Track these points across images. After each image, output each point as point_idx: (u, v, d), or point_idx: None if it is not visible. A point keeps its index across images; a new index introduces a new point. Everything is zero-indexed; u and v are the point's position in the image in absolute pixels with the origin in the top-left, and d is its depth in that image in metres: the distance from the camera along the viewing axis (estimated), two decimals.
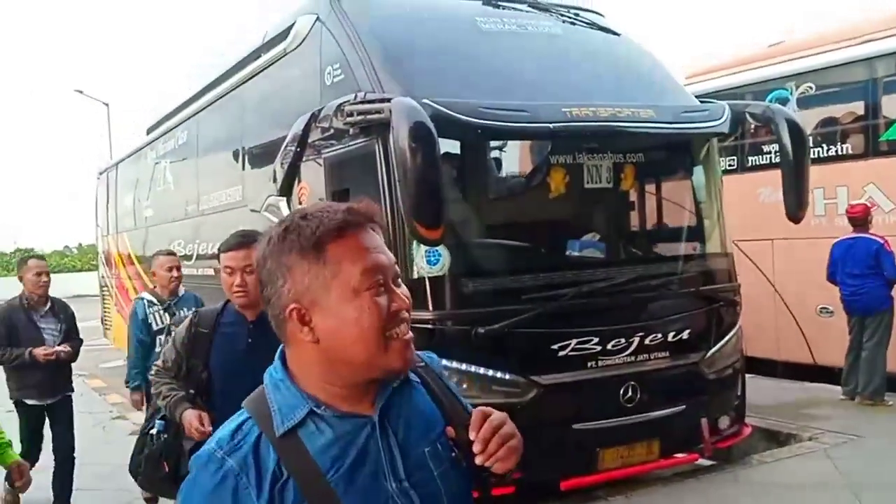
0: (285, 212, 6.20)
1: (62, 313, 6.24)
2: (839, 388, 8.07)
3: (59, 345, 6.02)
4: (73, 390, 6.34)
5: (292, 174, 6.09)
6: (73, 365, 6.30)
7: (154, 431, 3.80)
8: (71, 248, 51.42)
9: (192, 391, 3.53)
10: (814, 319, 8.75)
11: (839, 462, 6.04)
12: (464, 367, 4.91)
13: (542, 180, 5.94)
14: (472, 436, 1.40)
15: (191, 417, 3.41)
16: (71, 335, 6.22)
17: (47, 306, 6.17)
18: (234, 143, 7.84)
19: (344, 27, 5.62)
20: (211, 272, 8.44)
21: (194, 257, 8.94)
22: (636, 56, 6.41)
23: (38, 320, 6.09)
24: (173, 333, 3.78)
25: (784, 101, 8.39)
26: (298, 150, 5.89)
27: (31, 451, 5.95)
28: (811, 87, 8.65)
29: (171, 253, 6.46)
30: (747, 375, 6.46)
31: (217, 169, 8.42)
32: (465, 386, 4.88)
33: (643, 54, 6.46)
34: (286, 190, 6.18)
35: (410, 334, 1.39)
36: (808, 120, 7.99)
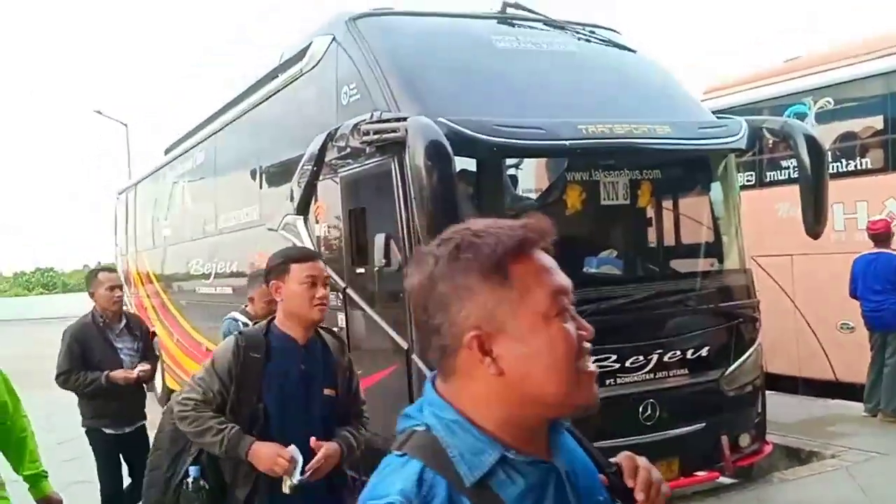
0: (303, 230, 6.22)
1: (138, 330, 5.76)
2: (861, 404, 7.97)
3: (136, 365, 5.53)
4: (146, 418, 5.79)
5: (309, 193, 6.12)
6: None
7: (191, 479, 3.21)
8: (90, 268, 51.80)
9: (243, 427, 3.14)
10: (835, 335, 8.66)
11: (862, 480, 5.95)
12: None
13: (558, 197, 5.93)
14: (629, 483, 1.34)
15: (272, 449, 3.05)
16: (147, 354, 5.76)
17: (122, 324, 5.65)
18: (251, 162, 7.89)
19: (360, 47, 5.65)
20: (229, 291, 8.48)
21: (212, 276, 8.98)
22: (652, 72, 6.40)
23: (113, 339, 5.57)
24: (208, 360, 3.32)
25: (802, 117, 8.37)
26: (315, 169, 5.92)
27: (111, 483, 5.54)
28: (829, 102, 8.61)
29: None
30: (768, 392, 6.40)
31: (234, 188, 8.47)
32: None
33: (659, 71, 6.45)
34: (303, 209, 6.22)
35: (595, 367, 1.25)
36: (827, 135, 7.95)
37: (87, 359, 5.43)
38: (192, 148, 10.28)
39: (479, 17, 6.33)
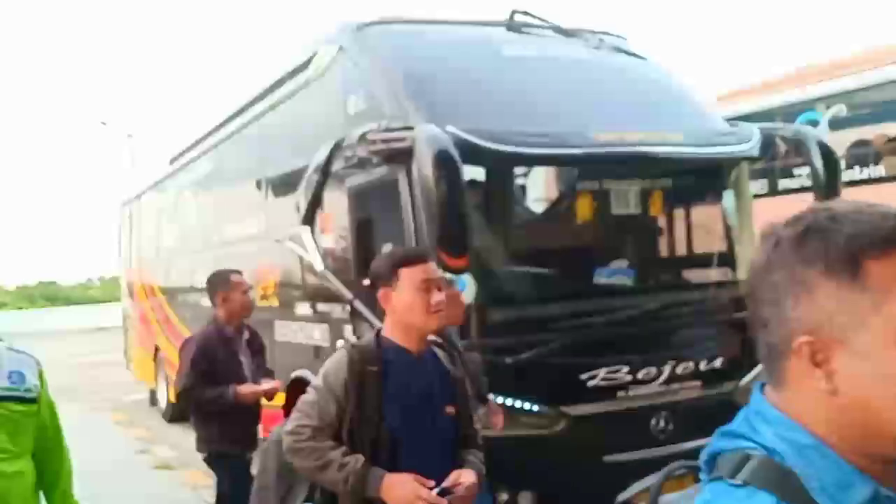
0: (309, 241, 6.15)
1: (257, 344, 5.31)
2: None
3: (259, 382, 5.01)
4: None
5: (315, 203, 6.05)
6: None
7: None
8: (94, 281, 51.94)
9: (365, 456, 2.74)
10: None
11: None
12: (490, 397, 4.80)
13: (568, 206, 5.87)
14: None
15: (410, 481, 2.66)
16: (263, 370, 5.25)
17: (245, 336, 5.16)
18: (257, 172, 7.83)
19: (367, 56, 5.60)
20: None
21: None
22: (663, 80, 6.33)
23: (238, 352, 5.07)
24: (318, 379, 2.90)
25: (815, 124, 8.32)
26: (321, 179, 5.86)
27: None
28: (842, 109, 8.57)
29: None
30: None
31: (239, 199, 8.42)
32: None
33: (670, 78, 6.39)
34: (309, 219, 6.15)
35: None
36: (840, 142, 7.89)
37: (210, 373, 4.88)
38: (196, 158, 10.24)
39: (487, 24, 6.28)
